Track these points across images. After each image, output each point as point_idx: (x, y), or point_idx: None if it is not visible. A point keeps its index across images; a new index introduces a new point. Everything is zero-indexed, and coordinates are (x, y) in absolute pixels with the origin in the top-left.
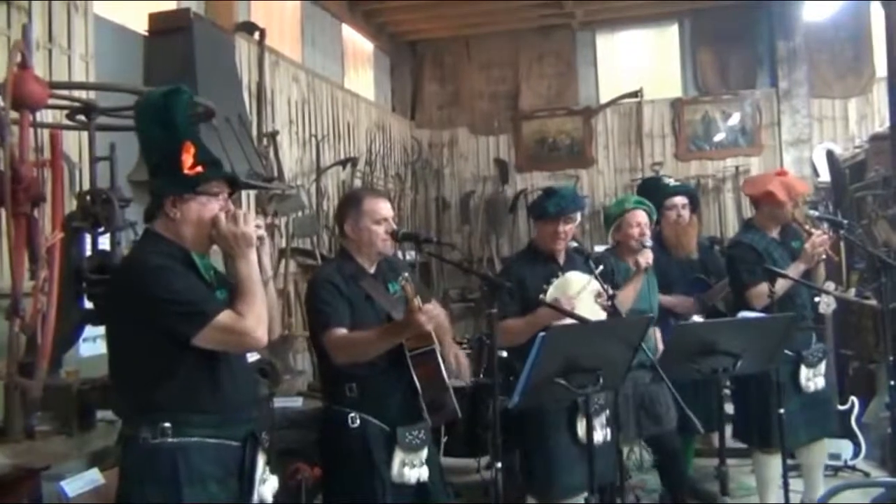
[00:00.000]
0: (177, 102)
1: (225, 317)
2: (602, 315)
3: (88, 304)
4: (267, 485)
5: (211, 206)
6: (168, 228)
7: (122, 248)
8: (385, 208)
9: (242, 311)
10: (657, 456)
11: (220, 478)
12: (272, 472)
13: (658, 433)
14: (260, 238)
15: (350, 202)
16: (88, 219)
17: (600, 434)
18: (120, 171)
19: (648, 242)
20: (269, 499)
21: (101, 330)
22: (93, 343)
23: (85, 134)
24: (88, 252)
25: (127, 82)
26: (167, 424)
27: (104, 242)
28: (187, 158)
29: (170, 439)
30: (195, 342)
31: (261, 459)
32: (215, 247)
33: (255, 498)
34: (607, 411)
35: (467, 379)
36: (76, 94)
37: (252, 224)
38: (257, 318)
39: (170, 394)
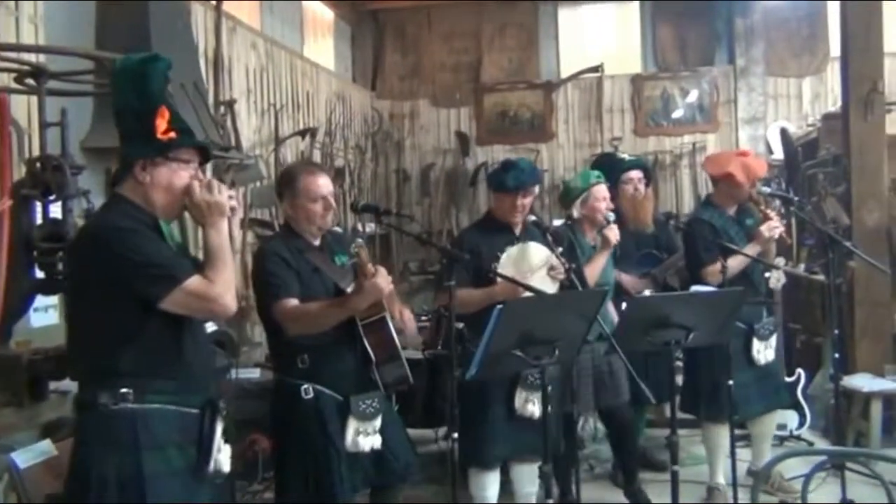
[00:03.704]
0: (154, 69)
1: (195, 281)
2: (554, 288)
3: (39, 274)
4: (223, 453)
5: (181, 174)
6: (136, 193)
7: (73, 217)
8: (322, 185)
9: (212, 278)
10: (609, 428)
11: (179, 444)
12: (229, 442)
13: (613, 404)
14: (232, 208)
15: (285, 180)
16: (38, 186)
17: (535, 408)
18: (72, 137)
19: (612, 217)
20: (226, 467)
21: (53, 300)
22: (44, 313)
23: (34, 98)
24: (39, 220)
25: (78, 47)
26: (127, 390)
27: (55, 211)
28: (161, 123)
29: (130, 405)
30: (163, 305)
31: (219, 428)
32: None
33: (212, 465)
34: (549, 387)
35: (414, 334)
36: (25, 57)
37: (225, 194)
38: (226, 285)
39: (131, 359)
